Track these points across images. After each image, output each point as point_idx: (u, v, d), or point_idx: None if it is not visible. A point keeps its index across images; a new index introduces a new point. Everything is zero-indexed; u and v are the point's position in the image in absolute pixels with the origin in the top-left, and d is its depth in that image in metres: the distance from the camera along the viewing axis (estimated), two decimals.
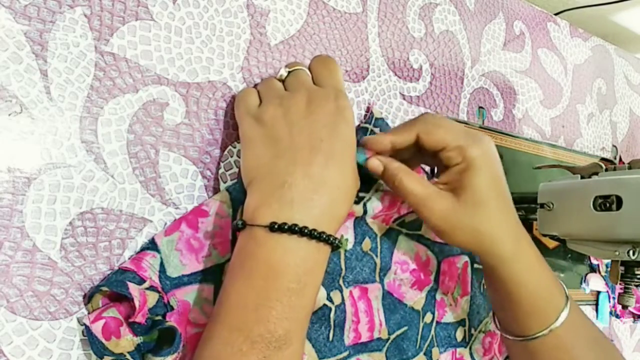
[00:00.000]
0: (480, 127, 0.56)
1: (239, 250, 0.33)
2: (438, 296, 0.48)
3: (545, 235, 0.50)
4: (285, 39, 0.43)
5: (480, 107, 0.57)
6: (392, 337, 0.44)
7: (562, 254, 0.62)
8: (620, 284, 0.48)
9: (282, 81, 0.39)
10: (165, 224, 0.36)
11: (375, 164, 0.38)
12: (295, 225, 0.31)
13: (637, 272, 0.47)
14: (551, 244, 0.61)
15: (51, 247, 0.32)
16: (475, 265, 0.50)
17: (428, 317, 0.47)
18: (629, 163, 0.47)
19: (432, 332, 0.47)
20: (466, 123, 0.55)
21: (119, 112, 0.35)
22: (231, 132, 0.40)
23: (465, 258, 0.50)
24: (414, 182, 0.37)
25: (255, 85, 0.40)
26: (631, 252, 0.44)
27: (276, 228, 0.31)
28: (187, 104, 0.38)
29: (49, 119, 0.33)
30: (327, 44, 0.46)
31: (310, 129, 0.34)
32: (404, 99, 0.51)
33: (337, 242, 0.34)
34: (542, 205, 0.49)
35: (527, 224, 0.58)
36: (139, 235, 0.35)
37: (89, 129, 0.34)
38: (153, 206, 0.36)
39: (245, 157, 0.36)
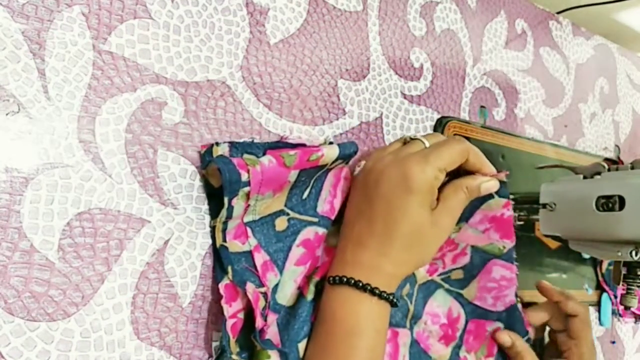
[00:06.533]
0: (482, 127, 0.55)
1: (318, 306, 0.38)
2: (462, 353, 0.48)
3: (547, 236, 0.49)
4: (285, 38, 0.43)
5: (482, 107, 0.57)
6: None
7: (564, 254, 0.61)
8: (622, 284, 0.47)
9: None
10: (164, 224, 0.36)
11: (506, 339, 0.47)
12: (346, 277, 0.37)
13: (639, 273, 0.47)
14: (553, 244, 0.60)
15: (49, 248, 0.32)
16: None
17: None
18: (631, 163, 0.47)
19: None
20: (468, 122, 0.54)
21: (117, 111, 0.35)
22: (230, 131, 0.39)
23: (499, 324, 0.49)
24: None
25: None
26: (634, 253, 0.44)
27: (332, 282, 0.37)
28: (186, 103, 0.38)
29: (46, 118, 0.32)
30: (327, 43, 0.45)
31: (374, 197, 0.38)
32: (405, 98, 0.50)
33: (393, 297, 0.37)
34: (544, 206, 0.48)
35: (530, 225, 0.57)
36: (137, 236, 0.35)
37: (87, 128, 0.34)
38: (151, 206, 0.36)
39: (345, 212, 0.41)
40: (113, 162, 0.34)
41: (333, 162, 0.40)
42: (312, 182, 0.40)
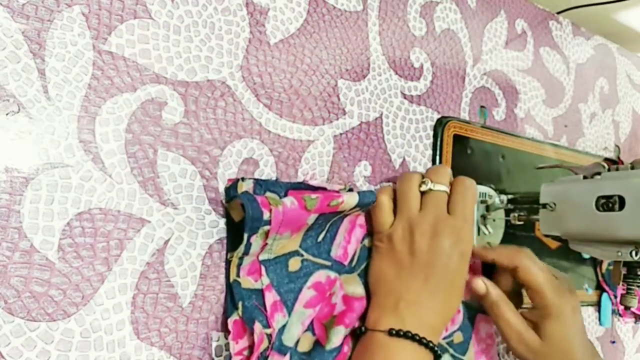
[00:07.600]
0: (482, 127, 0.55)
1: (359, 351, 0.40)
2: None
3: (547, 236, 0.49)
4: (285, 38, 0.43)
5: (482, 107, 0.57)
6: None
7: (564, 254, 0.61)
8: (622, 284, 0.47)
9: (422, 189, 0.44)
10: (164, 224, 0.36)
11: (480, 285, 0.46)
12: (409, 332, 0.39)
13: (639, 273, 0.46)
14: (553, 244, 0.60)
15: (49, 248, 0.32)
16: None
17: None
18: (631, 163, 0.47)
19: None
20: (468, 122, 0.54)
21: (117, 111, 0.35)
22: (230, 131, 0.39)
23: None
24: (510, 313, 0.45)
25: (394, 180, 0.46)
26: (634, 253, 0.44)
27: (394, 334, 0.39)
28: (186, 103, 0.38)
29: (46, 118, 0.32)
30: (327, 43, 0.45)
31: (428, 258, 0.41)
32: (405, 98, 0.50)
33: (439, 350, 0.40)
34: (544, 206, 0.48)
35: (529, 225, 0.57)
36: (137, 236, 0.35)
37: (87, 128, 0.34)
38: (151, 206, 0.36)
39: (372, 265, 0.43)
40: (113, 162, 0.34)
41: (351, 208, 0.40)
42: (327, 226, 0.41)
